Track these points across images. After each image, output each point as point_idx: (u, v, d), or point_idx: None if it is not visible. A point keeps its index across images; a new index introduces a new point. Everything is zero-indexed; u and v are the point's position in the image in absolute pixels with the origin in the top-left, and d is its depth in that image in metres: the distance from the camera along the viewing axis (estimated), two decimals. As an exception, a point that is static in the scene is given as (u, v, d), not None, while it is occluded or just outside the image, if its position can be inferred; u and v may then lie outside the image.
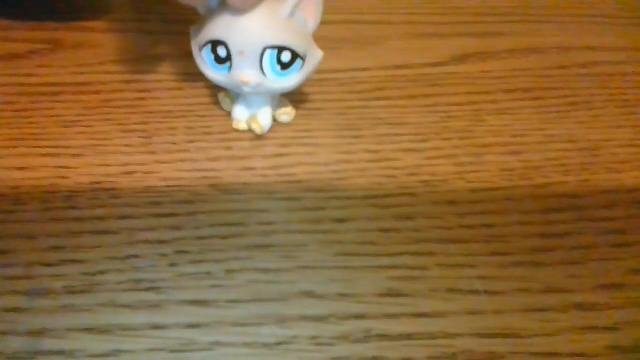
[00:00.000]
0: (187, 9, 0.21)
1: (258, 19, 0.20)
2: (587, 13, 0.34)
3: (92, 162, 0.23)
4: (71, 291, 0.19)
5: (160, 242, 0.20)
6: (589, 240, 0.21)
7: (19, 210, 0.21)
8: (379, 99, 0.27)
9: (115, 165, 0.23)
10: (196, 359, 0.18)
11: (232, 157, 0.23)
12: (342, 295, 0.19)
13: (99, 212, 0.21)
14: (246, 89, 0.21)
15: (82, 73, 0.27)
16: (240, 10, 0.20)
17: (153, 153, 0.23)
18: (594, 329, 0.19)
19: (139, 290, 0.19)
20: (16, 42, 0.29)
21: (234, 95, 0.24)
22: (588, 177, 0.24)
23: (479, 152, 0.24)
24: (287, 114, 0.25)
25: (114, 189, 0.22)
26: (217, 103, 0.26)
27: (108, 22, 0.30)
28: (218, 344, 0.18)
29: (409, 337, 0.18)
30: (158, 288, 0.19)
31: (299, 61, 0.21)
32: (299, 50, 0.21)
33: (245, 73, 0.21)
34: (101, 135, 0.24)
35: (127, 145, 0.24)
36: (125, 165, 0.23)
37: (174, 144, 0.24)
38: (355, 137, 0.25)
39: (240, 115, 0.24)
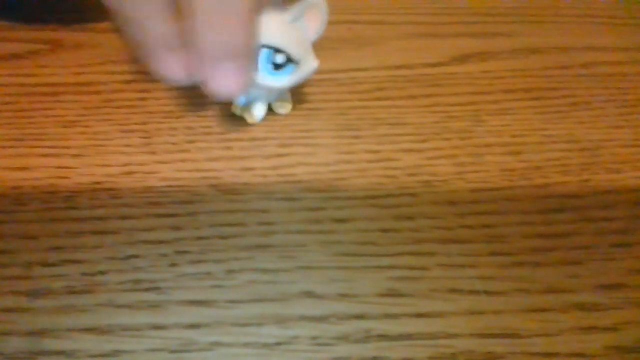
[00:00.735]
0: None
1: (263, 19, 0.20)
2: (587, 13, 0.34)
3: (92, 162, 0.23)
4: (71, 291, 0.19)
5: (160, 242, 0.20)
6: (588, 241, 0.21)
7: (19, 210, 0.21)
8: (379, 99, 0.27)
9: (115, 166, 0.23)
10: (196, 359, 0.18)
11: (232, 157, 0.23)
12: (342, 295, 0.19)
13: (99, 212, 0.21)
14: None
15: (82, 73, 0.27)
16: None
17: (153, 153, 0.23)
18: (593, 329, 0.19)
19: (139, 290, 0.19)
20: (16, 42, 0.29)
21: None
22: (588, 177, 0.24)
23: (479, 152, 0.24)
24: (283, 106, 0.25)
25: (114, 189, 0.22)
26: (217, 103, 0.26)
27: (108, 22, 0.30)
28: (218, 344, 0.18)
29: (409, 337, 0.18)
30: (158, 288, 0.19)
31: (291, 65, 0.21)
32: (294, 54, 0.21)
33: None
34: (101, 135, 0.24)
35: (127, 145, 0.24)
36: (125, 165, 0.23)
37: (174, 144, 0.24)
38: (355, 137, 0.25)
39: (239, 101, 0.25)
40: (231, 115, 0.25)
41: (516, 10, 0.34)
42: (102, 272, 0.19)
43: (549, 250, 0.21)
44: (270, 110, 0.25)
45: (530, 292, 0.20)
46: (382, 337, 0.18)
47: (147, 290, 0.19)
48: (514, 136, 0.25)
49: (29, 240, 0.20)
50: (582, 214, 0.22)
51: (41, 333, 0.18)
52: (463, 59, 0.29)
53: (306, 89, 0.26)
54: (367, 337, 0.18)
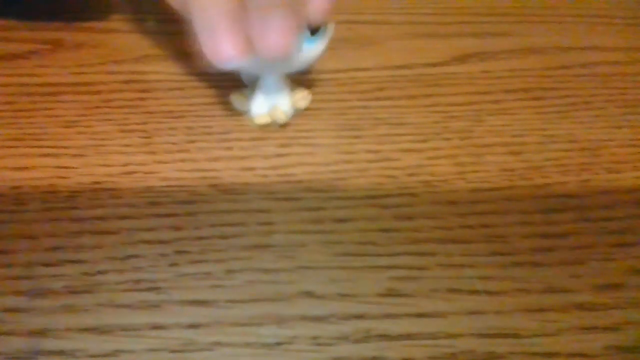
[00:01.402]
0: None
1: None
2: (587, 13, 0.34)
3: (92, 162, 0.23)
4: (71, 291, 0.19)
5: (160, 242, 0.20)
6: (588, 240, 0.21)
7: (19, 210, 0.21)
8: (379, 99, 0.27)
9: (115, 165, 0.23)
10: (196, 359, 0.18)
11: (232, 157, 0.23)
12: (342, 295, 0.19)
13: (99, 212, 0.21)
14: (275, 62, 0.21)
15: (82, 73, 0.27)
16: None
17: (153, 153, 0.23)
18: (593, 328, 0.19)
19: (139, 290, 0.19)
20: (16, 42, 0.29)
21: (248, 92, 0.25)
22: (588, 177, 0.24)
23: (479, 152, 0.24)
24: (304, 98, 0.25)
25: (114, 189, 0.22)
26: (217, 103, 0.26)
27: (108, 22, 0.30)
28: (218, 343, 0.18)
29: (409, 337, 0.18)
30: (158, 288, 0.19)
31: (321, 30, 0.22)
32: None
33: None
34: (101, 135, 0.24)
35: (127, 145, 0.24)
36: (125, 165, 0.23)
37: (174, 144, 0.24)
38: (356, 137, 0.25)
39: (260, 108, 0.24)
40: (233, 115, 0.25)
41: (516, 10, 0.34)
42: (102, 272, 0.19)
43: (549, 250, 0.21)
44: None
45: (530, 292, 0.20)
46: (382, 337, 0.18)
47: (147, 290, 0.19)
48: (514, 136, 0.25)
49: (29, 240, 0.20)
50: (582, 214, 0.22)
51: (41, 333, 0.18)
52: (463, 59, 0.29)
53: (306, 89, 0.26)
54: (367, 337, 0.18)
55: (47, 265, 0.20)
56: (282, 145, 0.24)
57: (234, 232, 0.21)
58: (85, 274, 0.19)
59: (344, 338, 0.18)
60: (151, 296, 0.19)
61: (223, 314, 0.19)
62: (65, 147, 0.23)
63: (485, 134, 0.25)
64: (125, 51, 0.29)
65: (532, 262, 0.20)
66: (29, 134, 0.24)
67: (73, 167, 0.23)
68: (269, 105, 0.24)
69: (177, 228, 0.21)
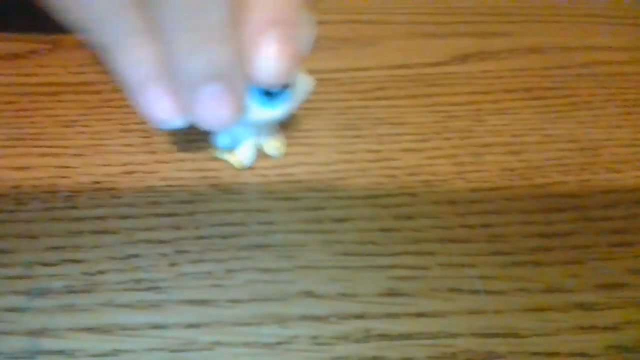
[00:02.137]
0: None
1: None
2: (587, 13, 0.34)
3: (92, 162, 0.23)
4: (71, 291, 0.19)
5: (160, 241, 0.20)
6: (589, 240, 0.21)
7: (19, 210, 0.21)
8: (379, 98, 0.27)
9: (115, 165, 0.23)
10: (196, 358, 0.18)
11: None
12: (342, 295, 0.19)
13: (99, 211, 0.21)
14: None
15: (82, 73, 0.27)
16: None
17: (153, 153, 0.23)
18: (594, 328, 0.19)
19: (139, 290, 0.19)
20: (16, 41, 0.29)
21: None
22: (588, 176, 0.24)
23: (479, 152, 0.24)
24: (276, 147, 0.23)
25: (114, 189, 0.22)
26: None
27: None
28: (218, 343, 0.18)
29: (409, 336, 0.18)
30: (158, 288, 0.19)
31: (286, 91, 0.18)
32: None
33: None
34: (101, 134, 0.24)
35: (127, 145, 0.24)
36: (125, 164, 0.23)
37: (174, 143, 0.24)
38: (356, 136, 0.25)
39: (222, 142, 0.23)
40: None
41: (516, 9, 0.34)
42: (102, 272, 0.19)
43: (549, 250, 0.21)
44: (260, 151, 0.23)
45: (530, 291, 0.20)
46: (382, 336, 0.18)
47: (147, 289, 0.19)
48: (514, 136, 0.25)
49: (29, 239, 0.20)
50: (582, 214, 0.22)
51: (41, 333, 0.18)
52: (463, 58, 0.29)
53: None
54: (367, 337, 0.18)
55: (46, 264, 0.20)
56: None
57: (234, 232, 0.21)
58: (85, 273, 0.19)
59: (343, 338, 0.18)
60: (151, 296, 0.19)
61: (223, 313, 0.19)
62: (65, 147, 0.23)
63: (485, 134, 0.25)
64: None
65: (532, 262, 0.20)
66: (29, 134, 0.24)
67: (73, 167, 0.23)
68: (233, 144, 0.22)
69: (177, 228, 0.21)
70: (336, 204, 0.22)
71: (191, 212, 0.21)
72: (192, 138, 0.24)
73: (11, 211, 0.21)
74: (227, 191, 0.22)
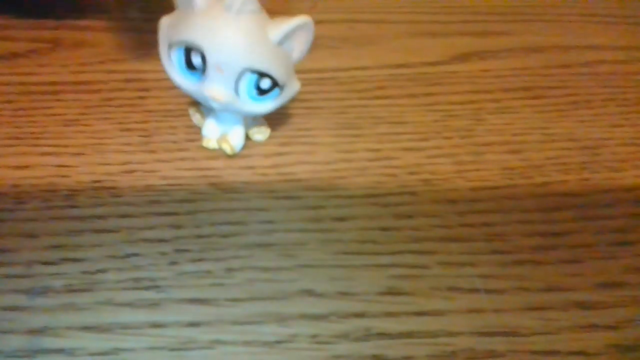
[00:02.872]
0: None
1: (245, 34, 0.18)
2: (587, 12, 0.34)
3: (92, 161, 0.23)
4: (71, 289, 0.19)
5: (160, 240, 0.20)
6: (589, 239, 0.21)
7: (19, 209, 0.21)
8: (379, 97, 0.27)
9: (115, 164, 0.23)
10: (196, 357, 0.18)
11: (232, 155, 0.23)
12: (342, 294, 0.19)
13: (99, 210, 0.21)
14: (214, 104, 0.20)
15: (82, 72, 0.27)
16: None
17: (153, 152, 0.23)
18: (594, 327, 0.19)
19: (139, 289, 0.19)
20: (16, 41, 0.29)
21: (205, 110, 0.23)
22: (588, 175, 0.24)
23: (479, 151, 0.24)
24: (261, 132, 0.24)
25: (114, 188, 0.22)
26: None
27: (108, 21, 0.30)
28: (218, 342, 0.18)
29: (409, 335, 0.18)
30: (158, 286, 0.19)
31: (277, 90, 0.20)
32: (280, 79, 0.19)
33: (217, 89, 0.19)
34: (101, 134, 0.24)
35: (127, 144, 0.24)
36: (125, 163, 0.23)
37: (174, 142, 0.24)
38: (355, 135, 0.25)
39: (210, 132, 0.23)
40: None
41: (516, 9, 0.34)
42: (102, 271, 0.19)
43: (549, 249, 0.21)
44: (248, 138, 0.24)
45: (530, 290, 0.20)
46: (382, 335, 0.18)
47: (147, 288, 0.19)
48: (514, 135, 0.25)
49: (29, 238, 0.20)
50: (583, 213, 0.22)
51: (41, 331, 0.18)
52: (463, 57, 0.29)
53: (306, 88, 0.26)
54: (367, 336, 0.18)
55: (46, 263, 0.20)
56: (282, 144, 0.24)
57: (234, 231, 0.21)
58: (85, 272, 0.19)
59: (343, 336, 0.18)
60: (151, 294, 0.19)
61: (223, 312, 0.19)
62: (65, 146, 0.23)
63: (485, 133, 0.25)
64: (125, 50, 0.29)
65: (532, 261, 0.20)
66: (29, 133, 0.24)
67: (73, 166, 0.23)
68: (221, 131, 0.23)
69: (177, 227, 0.21)
70: (336, 203, 0.22)
71: (191, 211, 0.21)
72: (192, 138, 0.24)
73: (11, 210, 0.21)
74: (227, 190, 0.22)
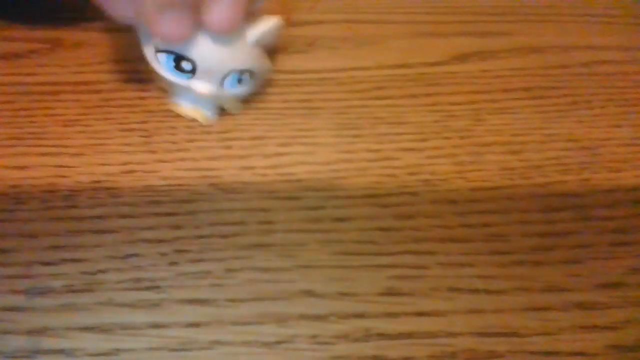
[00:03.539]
0: None
1: (231, 43, 0.21)
2: (587, 12, 0.34)
3: (92, 161, 0.23)
4: (71, 290, 0.19)
5: (160, 241, 0.20)
6: (588, 239, 0.21)
7: (19, 209, 0.21)
8: (379, 98, 0.27)
9: (115, 164, 0.23)
10: (196, 357, 0.18)
11: (231, 156, 0.23)
12: (342, 294, 0.19)
13: (98, 211, 0.21)
14: (200, 95, 0.22)
15: (81, 72, 0.27)
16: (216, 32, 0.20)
17: (153, 152, 0.23)
18: (594, 327, 0.19)
19: (139, 289, 0.19)
20: (16, 41, 0.29)
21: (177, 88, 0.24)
22: (588, 176, 0.24)
23: (479, 151, 0.24)
24: (235, 106, 0.25)
25: (113, 188, 0.22)
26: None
27: (108, 22, 0.30)
28: (218, 342, 0.18)
29: (408, 336, 0.18)
30: (158, 287, 0.19)
31: (252, 78, 0.23)
32: (259, 72, 0.23)
33: (206, 87, 0.22)
34: (101, 134, 0.24)
35: (127, 144, 0.24)
36: (125, 164, 0.23)
37: (173, 143, 0.24)
38: (355, 136, 0.25)
39: (184, 101, 0.24)
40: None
41: (516, 9, 0.34)
42: (102, 271, 0.19)
43: (549, 249, 0.21)
44: (223, 110, 0.25)
45: (530, 291, 0.20)
46: (382, 335, 0.18)
47: (146, 289, 0.19)
48: (514, 135, 0.25)
49: (28, 239, 0.20)
50: (582, 213, 0.22)
51: (41, 332, 0.18)
52: (463, 58, 0.29)
53: (306, 88, 0.26)
54: (366, 336, 0.18)
55: (46, 264, 0.20)
56: (282, 145, 0.24)
57: (234, 231, 0.21)
58: (85, 272, 0.19)
59: (343, 337, 0.18)
60: (151, 295, 0.19)
61: (223, 312, 0.19)
62: (65, 146, 0.23)
63: (485, 133, 0.25)
64: (125, 50, 0.28)
65: (532, 261, 0.20)
66: (29, 133, 0.24)
67: (73, 166, 0.23)
68: (193, 102, 0.24)
69: (177, 227, 0.21)
70: (336, 204, 0.22)
71: (191, 212, 0.21)
72: (192, 138, 0.24)
73: (11, 210, 0.21)
74: (226, 190, 0.22)
